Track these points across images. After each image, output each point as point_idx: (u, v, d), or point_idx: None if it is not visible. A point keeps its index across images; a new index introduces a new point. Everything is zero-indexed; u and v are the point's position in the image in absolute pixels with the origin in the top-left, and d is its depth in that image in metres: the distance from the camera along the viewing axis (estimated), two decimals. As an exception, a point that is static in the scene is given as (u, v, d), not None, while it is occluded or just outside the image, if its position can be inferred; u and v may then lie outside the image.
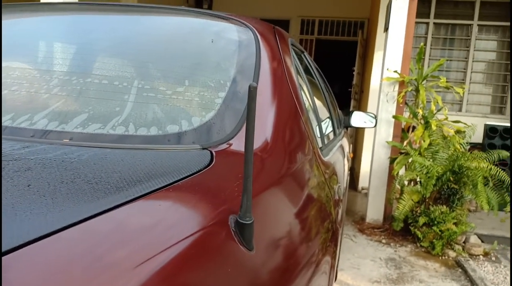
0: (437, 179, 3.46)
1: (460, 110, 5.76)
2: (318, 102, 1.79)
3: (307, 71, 1.81)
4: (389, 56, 3.93)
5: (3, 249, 0.35)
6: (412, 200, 3.55)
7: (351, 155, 3.68)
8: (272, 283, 0.63)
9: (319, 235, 0.99)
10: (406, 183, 3.79)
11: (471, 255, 3.50)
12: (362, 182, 5.56)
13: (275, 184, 0.86)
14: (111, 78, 0.98)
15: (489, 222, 4.10)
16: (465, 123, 3.90)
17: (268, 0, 7.26)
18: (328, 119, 2.08)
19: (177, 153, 0.76)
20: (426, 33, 5.78)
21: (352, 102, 6.50)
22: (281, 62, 1.20)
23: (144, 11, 1.34)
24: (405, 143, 3.91)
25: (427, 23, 5.76)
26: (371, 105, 5.28)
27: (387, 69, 3.91)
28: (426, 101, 3.86)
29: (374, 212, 4.15)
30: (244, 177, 0.56)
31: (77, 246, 0.40)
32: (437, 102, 3.77)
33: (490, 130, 4.97)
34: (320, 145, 1.38)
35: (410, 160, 3.73)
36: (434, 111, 3.79)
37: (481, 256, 3.51)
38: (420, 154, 3.67)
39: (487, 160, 3.51)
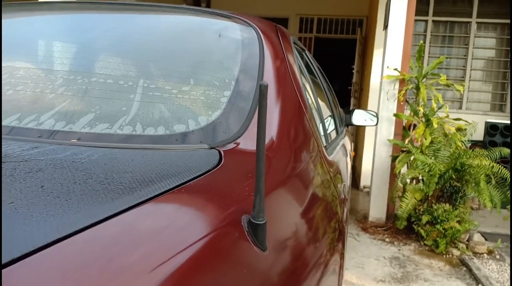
0: (439, 177, 3.46)
1: (460, 108, 5.76)
2: (320, 101, 1.79)
3: (309, 69, 1.80)
4: (389, 54, 3.92)
5: (23, 251, 0.34)
6: (414, 198, 3.55)
7: (353, 154, 3.67)
8: (285, 283, 0.63)
9: (327, 234, 0.99)
10: (408, 181, 3.79)
11: (475, 253, 3.49)
12: (364, 181, 5.55)
13: (283, 183, 0.86)
14: (116, 78, 0.97)
15: (492, 220, 4.09)
16: (466, 121, 3.90)
17: (266, -1, 7.26)
18: (330, 118, 2.08)
19: (185, 153, 0.75)
20: (425, 31, 5.78)
21: (352, 101, 6.50)
22: (284, 60, 1.20)
23: (147, 10, 1.34)
24: (406, 141, 3.90)
25: (426, 21, 5.76)
26: (371, 103, 5.28)
27: (387, 67, 3.90)
28: (427, 99, 3.86)
29: (376, 210, 4.15)
30: (256, 177, 0.55)
31: (94, 248, 0.39)
32: (438, 100, 3.77)
33: (491, 128, 4.97)
34: (324, 143, 1.38)
35: (412, 158, 3.73)
36: (435, 109, 3.78)
37: (485, 254, 3.51)
38: (421, 152, 3.66)
39: (489, 157, 3.50)
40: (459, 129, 3.81)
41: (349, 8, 7.06)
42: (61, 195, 0.46)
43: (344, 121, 2.82)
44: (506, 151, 3.65)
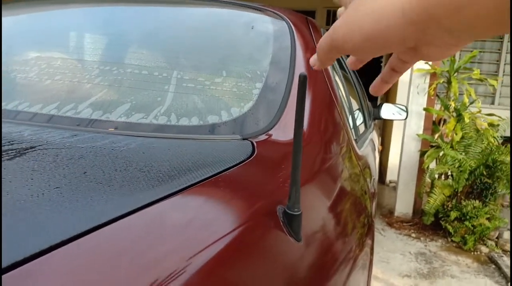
0: (469, 173, 3.39)
1: (493, 103, 5.60)
2: (350, 94, 1.77)
3: (338, 62, 1.79)
4: (420, 47, 3.83)
5: (71, 234, 0.36)
6: (443, 194, 3.48)
7: (381, 148, 3.63)
8: (317, 274, 0.63)
9: (358, 228, 0.98)
10: (436, 176, 3.72)
11: (505, 251, 3.41)
12: (390, 175, 5.48)
13: (315, 175, 0.85)
14: (151, 69, 0.99)
15: (523, 217, 3.99)
16: (499, 117, 3.79)
17: (294, -9, 7.20)
18: (359, 111, 2.06)
19: (219, 143, 0.76)
20: (458, 23, 5.62)
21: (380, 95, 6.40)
22: (315, 52, 1.19)
23: (180, 3, 1.35)
24: (436, 136, 3.83)
25: (459, 13, 5.60)
26: (400, 97, 5.18)
27: (418, 60, 3.82)
28: (458, 94, 3.77)
29: (403, 205, 4.09)
30: (293, 168, 0.55)
31: (140, 232, 0.40)
32: (470, 94, 3.67)
33: (525, 124, 4.82)
34: (354, 136, 1.37)
35: (441, 153, 3.66)
36: (467, 104, 3.69)
37: (515, 252, 3.43)
38: (452, 147, 3.59)
39: (510, 149, 3.40)
40: (491, 125, 3.71)
41: (379, 0, 6.92)
42: (103, 181, 0.48)
43: (372, 115, 2.78)
44: (540, 147, 3.54)
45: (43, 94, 0.90)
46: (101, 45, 1.15)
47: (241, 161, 0.66)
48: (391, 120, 5.15)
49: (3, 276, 0.30)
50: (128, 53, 1.09)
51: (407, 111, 3.00)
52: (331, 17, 7.36)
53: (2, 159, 0.52)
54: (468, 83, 3.89)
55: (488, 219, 3.41)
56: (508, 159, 3.24)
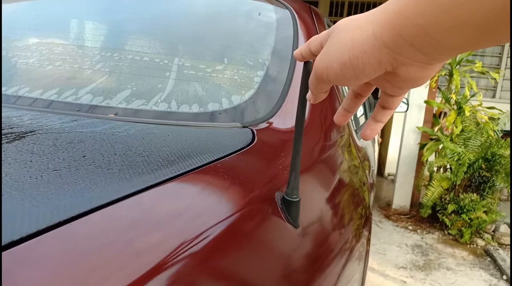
0: (468, 166, 3.39)
1: (494, 96, 5.59)
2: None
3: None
4: (422, 39, 3.81)
5: (67, 216, 0.36)
6: (441, 186, 3.49)
7: (380, 140, 3.63)
8: (314, 261, 0.63)
9: (355, 219, 0.99)
10: (435, 169, 3.73)
11: (500, 245, 3.43)
12: (389, 168, 5.49)
13: (313, 164, 0.86)
14: (152, 56, 0.98)
15: (521, 211, 4.01)
16: (500, 110, 3.78)
17: (297, -19, 7.12)
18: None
19: (219, 131, 0.76)
20: (461, 16, 5.58)
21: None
22: (318, 41, 1.18)
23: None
24: (436, 129, 3.82)
25: (463, 6, 5.56)
26: (401, 90, 5.17)
27: (420, 52, 3.80)
28: (460, 87, 3.76)
29: (401, 198, 4.11)
30: (293, 154, 0.55)
31: (138, 216, 0.40)
32: (472, 87, 3.66)
33: (525, 118, 4.82)
34: (354, 127, 1.37)
35: (440, 146, 3.66)
36: (468, 97, 3.68)
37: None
38: (451, 140, 3.59)
39: (510, 144, 3.40)
40: (491, 118, 3.70)
41: (382, -10, 6.88)
42: (102, 165, 0.48)
43: (373, 107, 2.78)
44: (540, 142, 3.54)
45: (43, 80, 0.90)
46: (102, 31, 1.14)
47: (241, 148, 0.66)
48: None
49: None
50: (129, 39, 1.09)
51: (408, 104, 2.99)
52: (334, 8, 7.31)
53: (2, 142, 0.52)
54: (470, 76, 3.88)
55: (485, 212, 3.42)
56: (507, 152, 3.25)
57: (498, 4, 0.29)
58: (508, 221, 3.73)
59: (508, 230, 3.63)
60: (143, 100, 0.81)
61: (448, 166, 3.68)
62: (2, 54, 0.98)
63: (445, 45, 0.34)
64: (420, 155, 3.89)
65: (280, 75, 0.97)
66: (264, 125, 0.83)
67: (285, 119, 0.85)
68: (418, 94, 3.88)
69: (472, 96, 3.74)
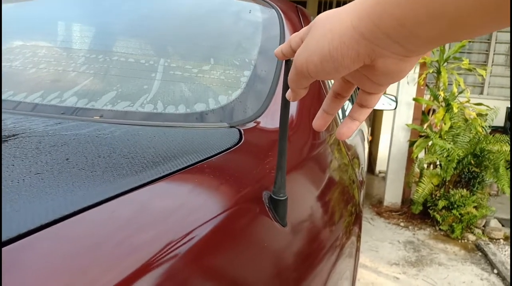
0: (458, 162, 3.42)
1: (481, 93, 5.64)
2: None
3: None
4: (410, 37, 3.84)
5: (50, 219, 0.35)
6: (431, 183, 3.52)
7: (370, 138, 3.65)
8: (303, 260, 0.63)
9: (345, 216, 0.99)
10: (425, 166, 3.75)
11: (491, 239, 3.47)
12: (380, 166, 5.51)
13: (301, 163, 0.86)
14: (137, 57, 0.98)
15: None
16: (487, 106, 3.82)
17: (285, -19, 7.13)
18: (349, 101, 2.06)
19: (205, 131, 0.76)
20: (448, 13, 5.63)
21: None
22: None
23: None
24: (425, 126, 3.85)
25: (449, 4, 5.60)
26: (390, 87, 5.20)
27: (408, 50, 3.83)
28: (448, 84, 3.79)
29: (392, 195, 4.13)
30: (279, 154, 0.55)
31: (121, 217, 0.40)
32: (459, 84, 3.69)
33: (513, 113, 4.87)
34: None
35: (430, 143, 3.68)
36: (456, 94, 3.72)
37: (501, 240, 3.48)
38: (440, 136, 3.61)
39: (510, 143, 3.44)
40: (479, 114, 3.74)
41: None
42: (86, 167, 0.47)
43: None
44: (527, 137, 3.58)
45: (27, 83, 0.89)
46: (87, 33, 1.13)
47: (228, 148, 0.66)
48: (381, 111, 5.18)
49: None
50: (114, 41, 1.08)
51: (396, 102, 3.01)
52: (322, 8, 7.33)
53: None
54: (457, 73, 3.91)
55: (475, 207, 3.45)
56: (496, 148, 3.28)
57: None
58: (499, 216, 3.76)
59: (499, 225, 3.67)
60: (128, 102, 0.81)
61: (437, 162, 3.71)
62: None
63: (420, 37, 0.35)
64: (410, 152, 3.91)
65: (267, 75, 0.96)
66: (251, 125, 0.82)
67: (272, 119, 0.85)
68: (407, 92, 3.91)
69: (460, 93, 3.77)
